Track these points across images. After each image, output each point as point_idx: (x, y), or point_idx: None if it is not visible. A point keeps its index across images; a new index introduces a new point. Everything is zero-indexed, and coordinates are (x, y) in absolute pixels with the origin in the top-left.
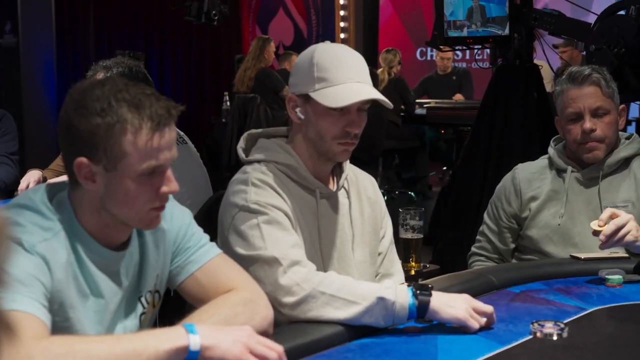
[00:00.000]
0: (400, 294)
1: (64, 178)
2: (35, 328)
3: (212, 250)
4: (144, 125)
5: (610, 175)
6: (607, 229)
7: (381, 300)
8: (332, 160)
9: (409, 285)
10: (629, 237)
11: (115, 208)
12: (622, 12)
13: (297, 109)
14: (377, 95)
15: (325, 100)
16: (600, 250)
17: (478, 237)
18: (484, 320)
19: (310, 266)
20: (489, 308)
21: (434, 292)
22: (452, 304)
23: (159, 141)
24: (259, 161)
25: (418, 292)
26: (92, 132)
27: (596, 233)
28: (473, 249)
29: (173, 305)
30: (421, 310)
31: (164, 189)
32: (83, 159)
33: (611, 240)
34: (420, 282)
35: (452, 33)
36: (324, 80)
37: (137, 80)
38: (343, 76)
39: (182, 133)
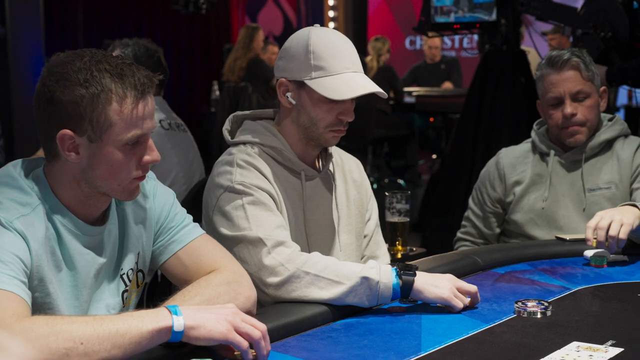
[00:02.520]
0: (384, 274)
1: None
2: (16, 307)
3: (196, 230)
4: (128, 94)
5: (593, 158)
6: (599, 235)
7: (365, 280)
8: (322, 145)
9: (393, 266)
10: (618, 227)
11: (99, 179)
12: None
13: (289, 94)
14: (375, 88)
15: (324, 90)
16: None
17: (463, 222)
18: (468, 299)
19: (294, 247)
20: (472, 287)
21: (418, 272)
22: (436, 284)
23: (143, 110)
24: (244, 143)
25: (402, 272)
26: (76, 102)
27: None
28: (459, 234)
29: (160, 290)
30: (405, 290)
31: (147, 158)
32: (67, 131)
33: (611, 241)
34: (406, 262)
35: (439, 19)
36: (321, 68)
37: (151, 63)
38: (340, 66)
39: (181, 121)
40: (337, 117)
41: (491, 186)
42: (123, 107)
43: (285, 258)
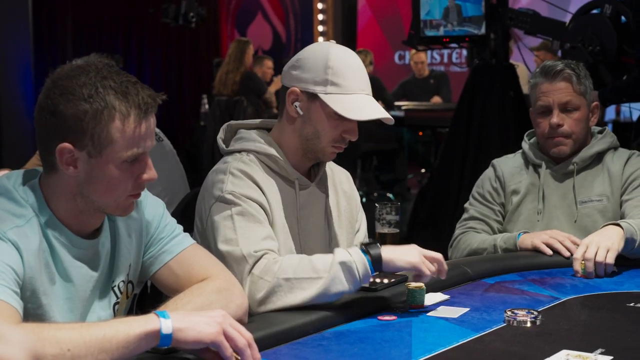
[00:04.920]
0: (355, 253)
1: None
2: (5, 315)
3: (186, 240)
4: (131, 113)
5: (584, 170)
6: (588, 266)
7: (342, 264)
8: (319, 159)
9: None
10: (604, 253)
11: (95, 194)
12: (596, 11)
13: (297, 104)
14: (386, 114)
15: (338, 107)
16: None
17: (462, 222)
18: (434, 267)
19: (269, 255)
20: (438, 255)
21: (382, 246)
22: (404, 252)
23: (146, 129)
24: (239, 151)
25: (368, 247)
26: (79, 117)
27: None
28: (459, 230)
29: (150, 301)
30: (376, 263)
31: (145, 176)
32: (67, 145)
33: (599, 267)
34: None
35: (429, 32)
36: (337, 85)
37: None
38: (355, 86)
39: (158, 130)
40: (341, 134)
41: (494, 189)
42: (125, 125)
43: (263, 271)
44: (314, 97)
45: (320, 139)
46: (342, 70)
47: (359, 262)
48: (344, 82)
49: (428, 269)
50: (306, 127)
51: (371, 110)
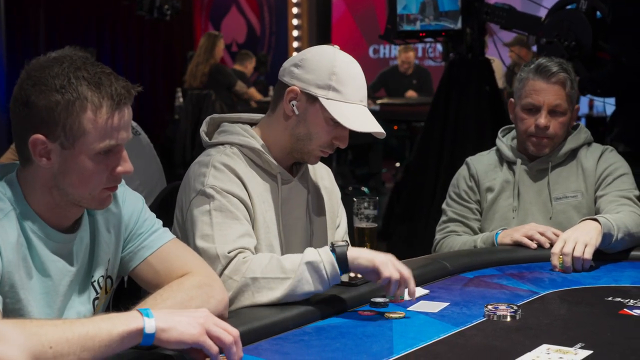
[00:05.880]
0: (324, 253)
1: None
2: None
3: (165, 235)
4: (104, 104)
5: (559, 167)
6: (566, 261)
7: (309, 264)
8: (303, 160)
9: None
10: (582, 248)
11: (69, 187)
12: (572, 6)
13: (295, 103)
14: (380, 128)
15: (337, 114)
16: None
17: (442, 225)
18: (397, 275)
19: (241, 255)
20: (408, 275)
21: (350, 247)
22: (373, 253)
23: (119, 120)
24: (222, 144)
25: (335, 246)
26: (51, 108)
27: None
28: (439, 235)
29: (127, 296)
30: (342, 262)
31: (119, 168)
32: (39, 136)
33: (577, 261)
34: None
35: (405, 27)
36: (338, 92)
37: None
38: (355, 97)
39: (135, 124)
40: (332, 140)
41: (469, 188)
42: (98, 116)
43: (232, 270)
44: (313, 99)
45: (312, 142)
46: (345, 78)
47: (327, 262)
48: (345, 90)
49: (391, 274)
50: (300, 127)
51: (367, 122)
